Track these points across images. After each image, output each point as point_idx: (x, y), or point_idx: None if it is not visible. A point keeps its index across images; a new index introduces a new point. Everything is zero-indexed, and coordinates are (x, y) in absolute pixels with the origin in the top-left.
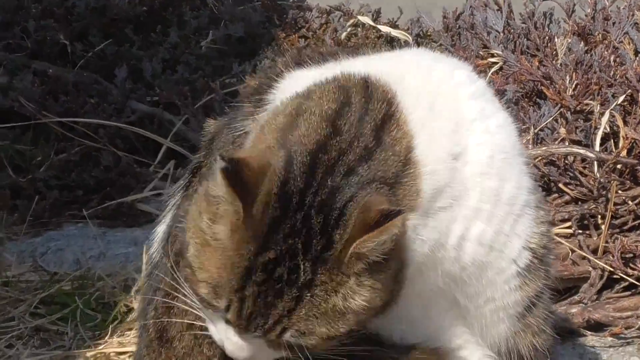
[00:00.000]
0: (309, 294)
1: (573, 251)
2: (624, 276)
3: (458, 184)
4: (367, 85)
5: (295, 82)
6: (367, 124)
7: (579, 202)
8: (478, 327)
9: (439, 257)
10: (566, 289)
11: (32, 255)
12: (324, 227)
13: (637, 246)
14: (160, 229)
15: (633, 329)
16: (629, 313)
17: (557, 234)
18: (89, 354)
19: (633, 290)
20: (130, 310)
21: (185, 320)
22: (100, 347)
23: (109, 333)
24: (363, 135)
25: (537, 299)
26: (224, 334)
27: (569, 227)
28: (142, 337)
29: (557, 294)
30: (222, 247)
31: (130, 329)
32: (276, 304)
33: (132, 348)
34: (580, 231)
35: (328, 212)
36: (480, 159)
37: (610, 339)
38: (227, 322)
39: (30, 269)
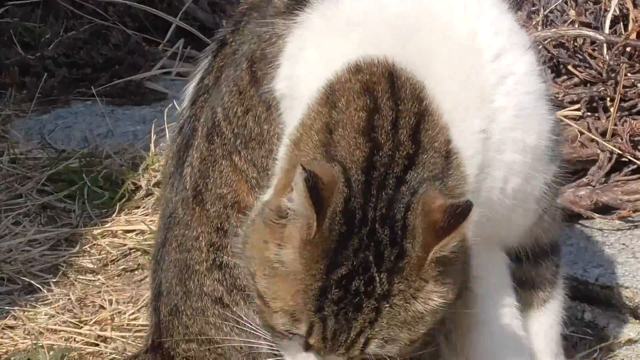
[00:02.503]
0: (387, 304)
1: (582, 133)
2: (633, 159)
3: (492, 152)
4: (392, 80)
5: (325, 34)
6: (402, 129)
7: (588, 85)
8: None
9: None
10: (574, 171)
11: (40, 133)
12: (392, 238)
13: None
14: (191, 87)
15: None
16: (638, 196)
17: (565, 116)
18: (95, 232)
19: None
20: (137, 188)
21: None
22: (107, 225)
23: (116, 211)
24: (402, 144)
25: (550, 204)
26: None
27: (578, 110)
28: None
29: (566, 177)
30: (293, 272)
31: (137, 207)
32: (357, 318)
33: (140, 226)
34: (589, 113)
35: (392, 224)
36: (506, 119)
37: (618, 222)
38: (308, 347)
39: (38, 146)
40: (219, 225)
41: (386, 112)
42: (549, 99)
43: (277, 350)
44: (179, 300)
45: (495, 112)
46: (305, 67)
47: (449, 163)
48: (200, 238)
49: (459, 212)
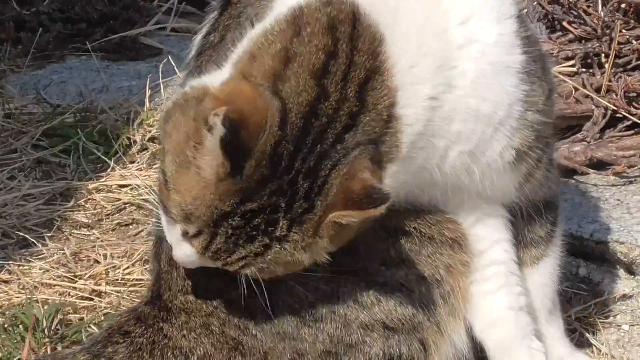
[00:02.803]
0: (278, 246)
1: (576, 89)
2: (627, 115)
3: (438, 120)
4: (355, 23)
5: None
6: (350, 83)
7: (583, 41)
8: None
9: (416, 179)
10: (569, 127)
11: (35, 88)
12: (308, 192)
13: None
14: (198, 38)
15: (636, 167)
16: (632, 152)
17: (560, 72)
18: (90, 186)
19: (636, 130)
20: (132, 143)
21: None
22: (101, 180)
23: (111, 166)
24: (348, 100)
25: (535, 168)
26: (177, 243)
27: (573, 66)
28: None
29: (561, 133)
30: (205, 184)
31: (132, 162)
32: (245, 247)
33: (134, 181)
34: (583, 69)
35: (314, 178)
36: (465, 84)
37: (612, 177)
38: (187, 239)
39: (33, 101)
40: None
41: (342, 60)
42: (524, 71)
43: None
44: None
45: (454, 77)
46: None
47: (388, 128)
48: None
49: (375, 198)
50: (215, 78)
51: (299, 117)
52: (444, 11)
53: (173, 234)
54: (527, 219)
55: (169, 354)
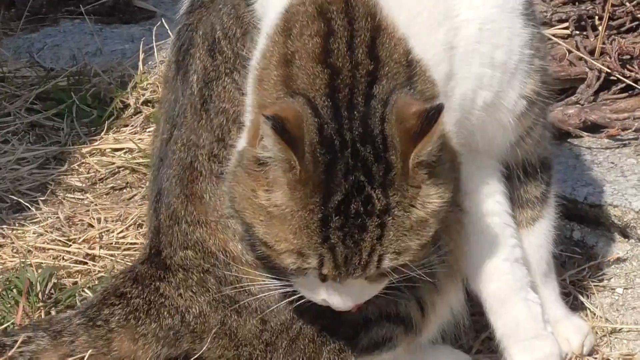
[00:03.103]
0: (390, 217)
1: (570, 52)
2: (621, 77)
3: (460, 63)
4: (346, 1)
5: None
6: (357, 48)
7: (576, 3)
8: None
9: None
10: (563, 89)
11: (29, 51)
12: (375, 154)
13: (634, 47)
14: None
15: (630, 130)
16: (626, 115)
17: (554, 35)
18: (84, 150)
19: (630, 92)
20: (126, 106)
21: None
22: (95, 143)
23: (105, 129)
24: (360, 63)
25: (535, 122)
26: (325, 294)
27: (566, 28)
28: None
29: (555, 95)
30: (290, 212)
31: (125, 125)
32: (364, 238)
33: (128, 144)
34: (577, 32)
35: (372, 139)
36: (471, 33)
37: (606, 140)
38: (324, 278)
39: (27, 64)
40: (220, 136)
41: (341, 33)
42: (526, 13)
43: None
44: (179, 205)
45: (460, 25)
46: None
47: (413, 71)
48: (204, 145)
49: (431, 115)
50: (242, 137)
51: (324, 98)
52: None
53: (313, 285)
54: (523, 179)
55: (165, 313)
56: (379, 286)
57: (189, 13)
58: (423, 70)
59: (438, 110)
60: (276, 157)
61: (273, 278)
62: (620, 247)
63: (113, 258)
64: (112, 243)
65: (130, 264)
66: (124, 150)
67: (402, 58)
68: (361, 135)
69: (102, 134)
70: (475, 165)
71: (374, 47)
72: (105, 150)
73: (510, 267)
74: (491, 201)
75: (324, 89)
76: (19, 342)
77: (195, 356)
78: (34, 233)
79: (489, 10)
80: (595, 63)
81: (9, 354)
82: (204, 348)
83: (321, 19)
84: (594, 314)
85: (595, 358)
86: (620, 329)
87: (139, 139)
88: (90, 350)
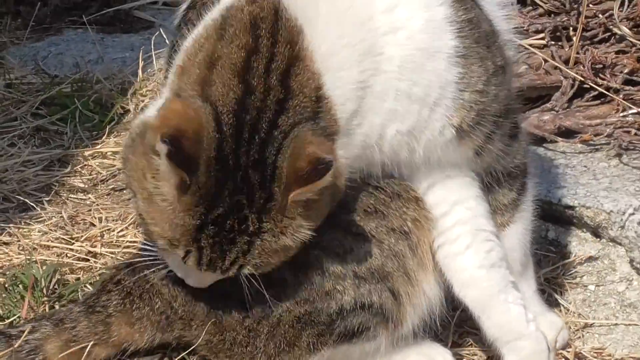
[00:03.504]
0: (259, 239)
1: (546, 61)
2: (594, 85)
3: (371, 99)
4: (276, 20)
5: None
6: (273, 73)
7: (552, 15)
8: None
9: (365, 152)
10: (539, 97)
11: (34, 59)
12: (262, 182)
13: (606, 57)
14: (184, 6)
15: (602, 136)
16: (598, 121)
17: (531, 45)
18: (86, 153)
19: (602, 100)
20: (126, 111)
21: None
22: (97, 147)
23: (106, 133)
24: (273, 89)
25: (485, 143)
26: (184, 273)
27: (543, 39)
28: None
29: (531, 102)
30: (172, 208)
31: (126, 130)
32: (231, 250)
33: None
34: (552, 42)
35: (263, 168)
36: (392, 69)
37: (580, 145)
38: (186, 264)
39: (32, 71)
40: None
41: (263, 53)
42: (458, 55)
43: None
44: None
45: (382, 62)
46: None
47: (320, 107)
48: None
49: (321, 168)
50: (154, 108)
51: (231, 116)
52: (369, 1)
53: (175, 264)
54: (488, 188)
55: (155, 298)
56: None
57: (178, 26)
58: (329, 107)
59: (328, 167)
60: (168, 172)
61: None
62: (592, 247)
63: (114, 255)
64: (112, 241)
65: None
66: None
67: (312, 93)
68: (255, 161)
69: (104, 137)
70: (439, 175)
71: (287, 77)
72: (106, 153)
73: (487, 273)
74: (460, 208)
75: (233, 105)
76: (25, 333)
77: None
78: (38, 231)
79: (413, 51)
80: (569, 72)
81: (17, 344)
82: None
83: (251, 33)
84: (568, 310)
85: (569, 352)
86: (592, 324)
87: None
88: (92, 338)
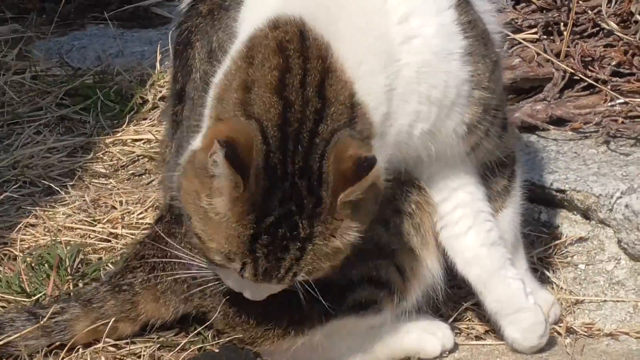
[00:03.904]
0: (310, 244)
1: (538, 54)
2: (583, 77)
3: (399, 102)
4: (303, 39)
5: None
6: (309, 86)
7: (544, 11)
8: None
9: (395, 151)
10: (531, 88)
11: (59, 53)
12: (309, 188)
13: (595, 51)
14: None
15: (591, 124)
16: (588, 110)
17: (524, 39)
18: (107, 140)
19: (591, 90)
20: (145, 102)
21: None
22: (118, 135)
23: (126, 122)
24: (310, 101)
25: (483, 138)
26: (240, 287)
27: (535, 33)
28: None
29: (524, 93)
30: (226, 220)
31: (144, 119)
32: (285, 257)
33: (146, 135)
34: (544, 37)
35: (309, 174)
36: (410, 75)
37: (570, 132)
38: (242, 276)
39: (57, 64)
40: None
41: (296, 70)
42: (467, 53)
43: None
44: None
45: (401, 68)
46: (246, 11)
47: (355, 112)
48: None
49: (365, 165)
50: (197, 139)
51: (275, 128)
52: (384, 13)
53: (232, 280)
54: (484, 176)
55: (176, 266)
56: (288, 285)
57: (188, 15)
58: (364, 112)
59: (372, 162)
60: (224, 176)
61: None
62: (582, 228)
63: (133, 236)
64: (132, 223)
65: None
66: (143, 141)
67: (346, 100)
68: (301, 168)
69: (124, 126)
70: (443, 163)
71: (323, 88)
72: (126, 140)
73: (488, 251)
74: (461, 193)
75: (276, 119)
76: (50, 312)
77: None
78: (63, 214)
79: (429, 56)
80: (560, 64)
81: (42, 322)
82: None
83: (280, 54)
84: (560, 288)
85: (560, 326)
86: (582, 301)
87: (157, 130)
88: (119, 316)
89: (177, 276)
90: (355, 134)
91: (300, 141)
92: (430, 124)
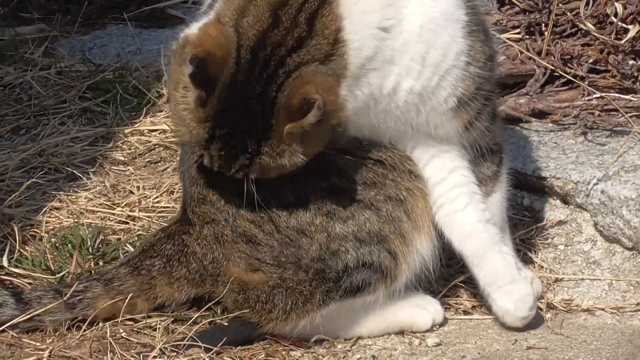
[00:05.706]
0: (258, 159)
1: (521, 52)
2: (563, 74)
3: (389, 50)
4: None
5: None
6: (303, 13)
7: (527, 12)
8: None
9: (373, 103)
10: (515, 83)
11: (82, 50)
12: (262, 114)
13: (573, 49)
14: None
15: (569, 117)
16: (567, 104)
17: (508, 39)
18: (126, 131)
19: (570, 86)
20: (160, 95)
21: None
22: (136, 125)
23: (143, 114)
24: (298, 26)
25: (475, 118)
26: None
27: (518, 33)
28: None
29: (508, 88)
30: (190, 118)
31: (160, 111)
32: (235, 162)
33: (162, 126)
34: (527, 36)
35: (264, 101)
36: (412, 28)
37: (551, 124)
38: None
39: (80, 61)
40: None
41: None
42: (469, 29)
43: None
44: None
45: (405, 17)
46: None
47: (334, 49)
48: None
49: (306, 108)
50: (197, 25)
51: (248, 50)
52: None
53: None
54: (475, 161)
55: (190, 259)
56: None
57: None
58: (344, 52)
59: (311, 107)
60: (191, 87)
61: None
62: (561, 212)
63: (150, 219)
64: (149, 207)
65: (164, 224)
66: (159, 131)
67: (331, 35)
68: (258, 95)
69: (141, 117)
70: (437, 149)
71: (315, 16)
72: (144, 131)
73: (484, 227)
74: (457, 174)
75: (253, 40)
76: (72, 289)
77: (216, 299)
78: (85, 198)
79: (436, 14)
80: (542, 62)
81: (65, 298)
82: (222, 292)
83: None
84: (541, 267)
85: (542, 302)
86: (561, 279)
87: (172, 121)
88: (137, 294)
89: (191, 266)
90: (328, 70)
91: (266, 69)
92: (420, 85)
